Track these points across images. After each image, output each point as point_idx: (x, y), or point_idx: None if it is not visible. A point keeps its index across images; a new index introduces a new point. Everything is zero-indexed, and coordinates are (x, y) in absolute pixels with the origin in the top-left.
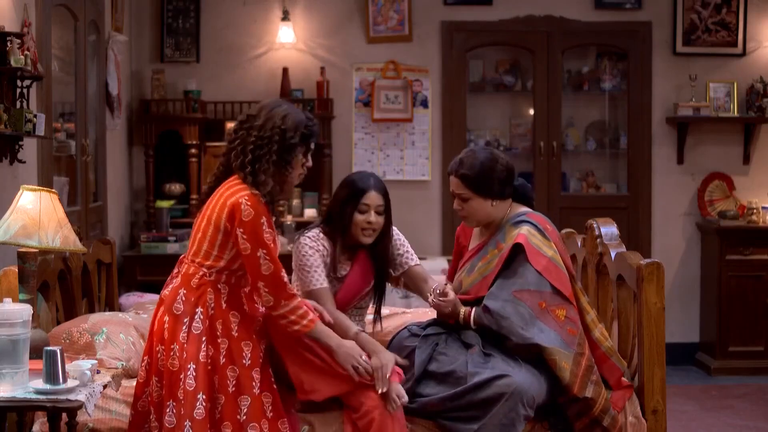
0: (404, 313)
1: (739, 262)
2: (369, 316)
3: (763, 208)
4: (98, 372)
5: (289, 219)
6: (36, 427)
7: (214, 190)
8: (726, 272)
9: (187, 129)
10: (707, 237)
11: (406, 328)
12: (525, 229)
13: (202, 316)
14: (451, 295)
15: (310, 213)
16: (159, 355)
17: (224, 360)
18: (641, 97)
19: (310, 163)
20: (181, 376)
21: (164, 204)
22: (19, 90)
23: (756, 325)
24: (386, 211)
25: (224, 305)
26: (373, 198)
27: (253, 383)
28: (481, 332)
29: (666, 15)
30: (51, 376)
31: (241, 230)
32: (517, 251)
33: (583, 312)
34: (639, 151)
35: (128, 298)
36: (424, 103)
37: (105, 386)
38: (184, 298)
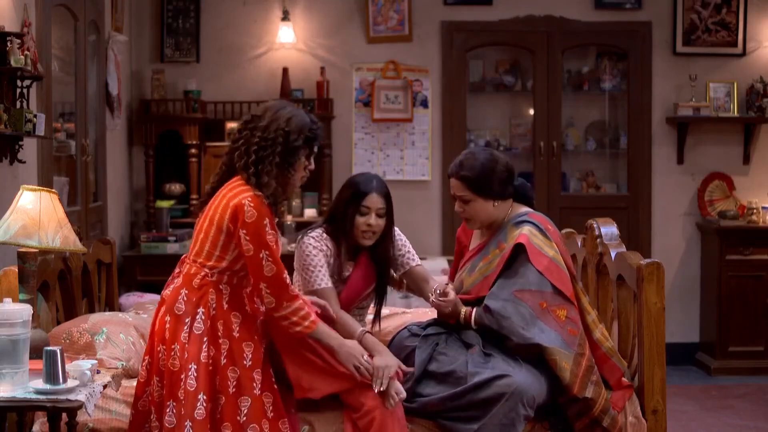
0: (404, 313)
1: (739, 262)
2: (369, 316)
3: (763, 208)
4: (98, 372)
5: (289, 219)
6: (36, 427)
7: (216, 190)
8: (726, 272)
9: (187, 129)
10: (707, 237)
11: (406, 328)
12: (526, 229)
13: (203, 317)
14: (452, 294)
15: (310, 213)
16: (160, 355)
17: (225, 360)
18: (641, 97)
19: (312, 166)
20: (182, 377)
21: (164, 204)
22: (19, 90)
23: (756, 325)
24: (387, 214)
25: (226, 306)
26: (374, 200)
27: (254, 384)
28: (482, 332)
29: (666, 15)
30: (51, 376)
31: (244, 231)
32: (519, 251)
33: (584, 312)
34: (639, 151)
35: (128, 298)
36: (424, 103)
37: (105, 386)
38: (185, 299)
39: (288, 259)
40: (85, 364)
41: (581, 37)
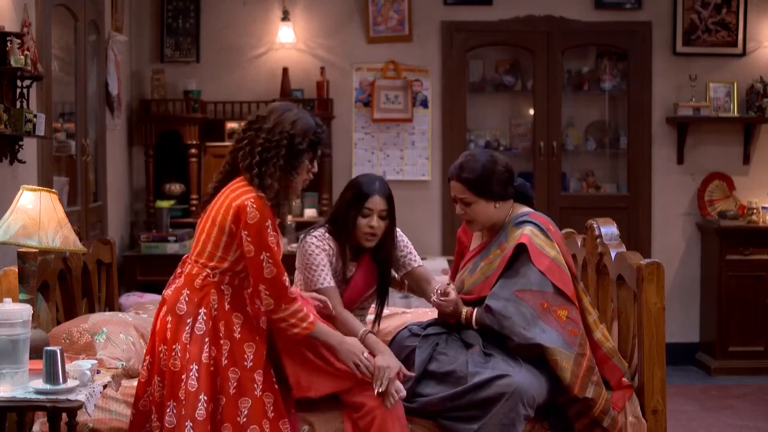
0: (404, 313)
1: (739, 262)
2: (370, 317)
3: (763, 208)
4: (98, 372)
5: (289, 219)
6: (36, 427)
7: (219, 190)
8: (726, 272)
9: (187, 129)
10: (707, 237)
11: (406, 327)
12: (528, 229)
13: (205, 317)
14: (453, 294)
15: (310, 213)
16: (161, 355)
17: (226, 361)
18: (641, 97)
19: (315, 169)
20: (183, 377)
21: (164, 204)
22: (19, 90)
23: (756, 325)
24: (390, 216)
25: (227, 306)
26: (376, 203)
27: (255, 385)
28: (482, 332)
29: (666, 15)
30: (51, 376)
31: (246, 232)
32: (521, 251)
33: (584, 312)
34: (639, 151)
35: (128, 298)
36: (424, 103)
37: (105, 386)
38: (187, 299)
39: (289, 259)
40: (85, 364)
41: (581, 37)
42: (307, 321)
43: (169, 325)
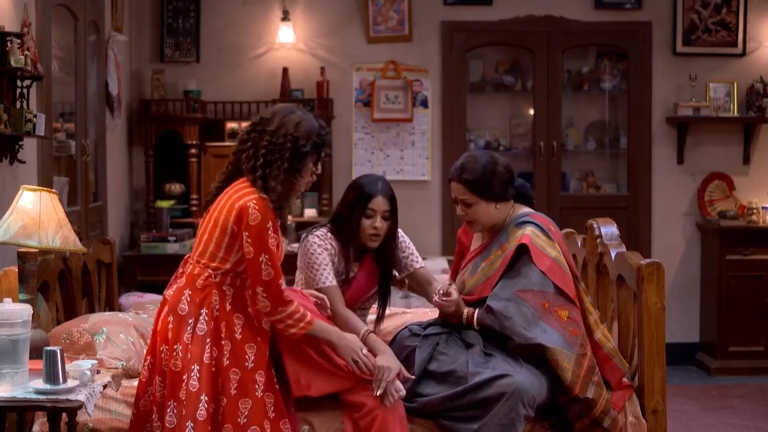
0: (404, 313)
1: (739, 262)
2: (370, 317)
3: (763, 208)
4: (98, 372)
5: (289, 219)
6: (36, 427)
7: (222, 191)
8: (726, 272)
9: (187, 129)
10: (707, 237)
11: (406, 327)
12: (529, 229)
13: (206, 318)
14: (455, 295)
15: (310, 213)
16: (162, 355)
17: (228, 362)
18: (641, 97)
19: (319, 171)
20: (184, 377)
21: (164, 204)
22: (19, 90)
23: (756, 325)
24: (393, 216)
25: (229, 307)
26: (379, 203)
27: (256, 386)
28: (483, 332)
29: (666, 15)
30: (51, 376)
31: (247, 234)
32: (522, 252)
33: (585, 313)
34: (639, 151)
35: (128, 298)
36: (424, 103)
37: (105, 386)
38: (189, 299)
39: (289, 259)
40: (85, 364)
41: (581, 37)
42: (305, 321)
43: (170, 325)
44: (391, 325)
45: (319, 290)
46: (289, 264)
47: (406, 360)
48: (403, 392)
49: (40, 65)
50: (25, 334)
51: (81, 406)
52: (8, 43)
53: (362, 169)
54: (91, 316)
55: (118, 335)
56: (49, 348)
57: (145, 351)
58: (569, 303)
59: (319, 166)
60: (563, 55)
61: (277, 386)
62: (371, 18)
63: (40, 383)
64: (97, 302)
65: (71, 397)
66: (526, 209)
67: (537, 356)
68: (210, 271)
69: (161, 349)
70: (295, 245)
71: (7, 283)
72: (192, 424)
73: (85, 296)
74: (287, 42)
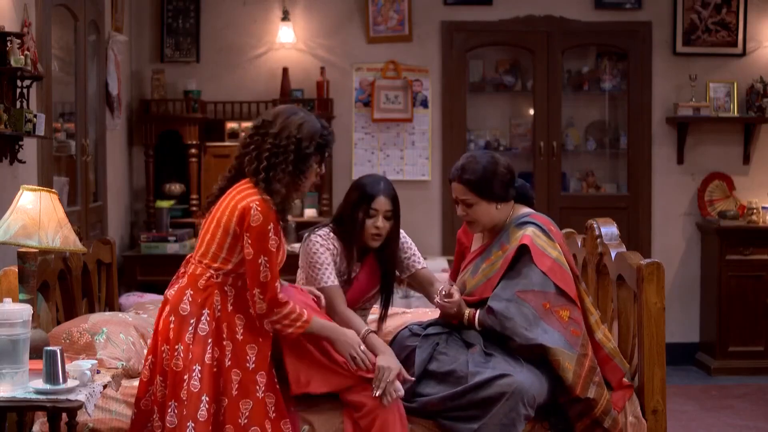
0: (404, 313)
1: (739, 262)
2: (371, 317)
3: (763, 208)
4: (98, 372)
5: (288, 219)
6: (36, 427)
7: (224, 191)
8: (726, 272)
9: (187, 129)
10: (707, 237)
11: (406, 327)
12: (530, 230)
13: (208, 318)
14: (457, 296)
15: (310, 213)
16: (164, 355)
17: (229, 362)
18: (641, 97)
19: (323, 171)
20: (185, 377)
21: (164, 204)
22: (19, 90)
23: (756, 325)
24: (395, 216)
25: (230, 308)
26: (381, 203)
27: (257, 387)
28: (483, 332)
29: (666, 15)
30: (51, 376)
31: (248, 234)
32: (522, 252)
33: (586, 313)
34: (639, 151)
35: (128, 298)
36: (424, 103)
37: (105, 386)
38: (190, 299)
39: (291, 259)
40: (85, 364)
41: (581, 37)
42: (301, 320)
43: (172, 325)
44: (391, 325)
45: (320, 290)
46: (290, 264)
47: (406, 360)
48: (402, 393)
49: (40, 65)
50: (25, 334)
51: (81, 406)
52: (8, 43)
53: (362, 169)
54: (91, 316)
55: (118, 335)
56: (49, 348)
57: (145, 351)
58: (570, 303)
59: (323, 167)
60: (563, 55)
61: (278, 386)
62: (371, 18)
63: (40, 383)
64: (97, 302)
65: (71, 397)
66: (527, 209)
67: (537, 356)
68: (212, 271)
69: (162, 348)
70: (296, 245)
71: (7, 283)
72: (193, 425)
73: (85, 296)
74: (287, 42)
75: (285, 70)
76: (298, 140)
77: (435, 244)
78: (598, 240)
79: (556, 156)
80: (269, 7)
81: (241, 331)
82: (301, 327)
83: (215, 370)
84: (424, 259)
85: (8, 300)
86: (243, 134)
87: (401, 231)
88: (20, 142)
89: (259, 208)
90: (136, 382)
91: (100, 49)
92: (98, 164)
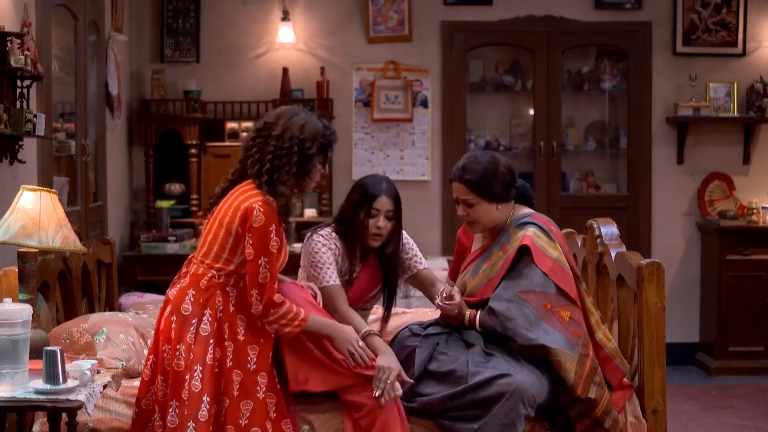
0: (404, 313)
1: (739, 262)
2: (372, 317)
3: (763, 208)
4: (98, 372)
5: (290, 220)
6: (36, 427)
7: (227, 193)
8: (726, 272)
9: (187, 129)
10: (707, 237)
11: (406, 327)
12: (530, 230)
13: (210, 318)
14: (457, 298)
15: (310, 213)
16: (165, 355)
17: (231, 363)
18: (641, 97)
19: (326, 171)
20: (187, 377)
21: (164, 204)
22: (19, 90)
23: (756, 325)
24: (396, 216)
25: (232, 308)
26: (383, 203)
27: (258, 387)
28: (484, 332)
29: (666, 15)
30: (51, 376)
31: (250, 235)
32: (523, 253)
33: (587, 313)
34: (639, 151)
35: (128, 298)
36: (424, 103)
37: (105, 386)
38: (192, 299)
39: (292, 259)
40: (85, 364)
41: (581, 37)
42: (298, 319)
43: (173, 325)
44: (391, 325)
45: (321, 289)
46: (292, 264)
47: (406, 360)
48: (400, 392)
49: (40, 65)
50: (25, 334)
51: (81, 406)
52: (8, 43)
53: (362, 169)
54: (91, 316)
55: (118, 335)
56: (49, 348)
57: (145, 351)
58: (571, 303)
59: (327, 167)
60: (563, 55)
61: (278, 386)
62: (371, 18)
63: (40, 383)
64: (97, 302)
65: (71, 397)
66: (527, 210)
67: (538, 356)
68: (214, 271)
69: (164, 348)
70: (297, 245)
71: (7, 283)
72: (194, 425)
73: (85, 296)
74: (287, 42)
75: (285, 70)
76: (300, 141)
77: (435, 244)
78: (598, 240)
79: (556, 156)
80: (269, 7)
81: (243, 331)
82: (298, 326)
83: (216, 370)
84: (425, 259)
85: (8, 300)
86: (245, 136)
87: (403, 232)
88: (20, 142)
89: (261, 209)
90: (136, 382)
91: (100, 49)
92: (98, 164)
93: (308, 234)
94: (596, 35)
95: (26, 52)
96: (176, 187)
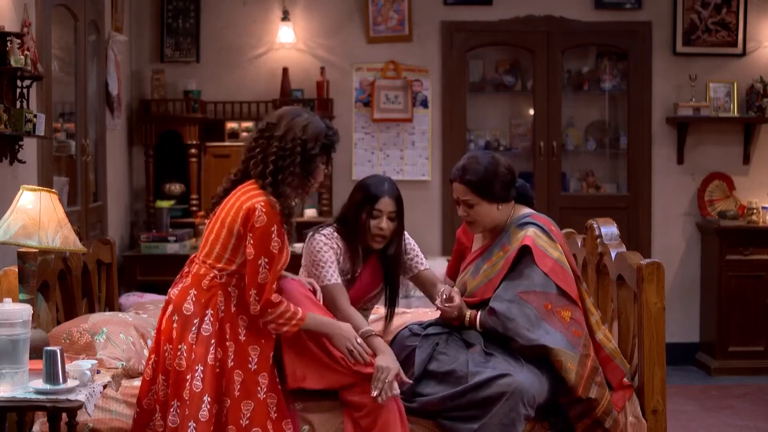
0: (404, 313)
1: (739, 262)
2: (372, 317)
3: (763, 208)
4: (98, 372)
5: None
6: (36, 427)
7: (229, 192)
8: (726, 272)
9: (187, 129)
10: (707, 237)
11: (406, 327)
12: (531, 231)
13: (211, 319)
14: (457, 299)
15: (310, 213)
16: (166, 354)
17: (232, 363)
18: (641, 97)
19: (329, 171)
20: (188, 377)
21: (164, 204)
22: (19, 90)
23: (756, 325)
24: (399, 217)
25: (233, 309)
26: (386, 204)
27: (258, 388)
28: (484, 332)
29: (666, 15)
30: (51, 376)
31: (251, 235)
32: (524, 253)
33: (587, 313)
34: (639, 151)
35: (128, 298)
36: (424, 103)
37: (105, 386)
38: (194, 299)
39: (293, 259)
40: (85, 364)
41: (581, 37)
42: (296, 318)
43: (175, 325)
44: (391, 325)
45: (323, 287)
46: (293, 264)
47: (406, 360)
48: (398, 392)
49: (40, 65)
50: (25, 334)
51: (81, 406)
52: (8, 43)
53: (362, 169)
54: (91, 316)
55: (118, 335)
56: (49, 348)
57: (145, 351)
58: (572, 304)
59: (330, 167)
60: (563, 55)
61: (279, 386)
62: (371, 18)
63: (40, 383)
64: (97, 302)
65: (71, 397)
66: (527, 210)
67: (538, 356)
68: (216, 271)
69: (165, 348)
70: (298, 245)
71: (7, 283)
72: (194, 425)
73: (85, 296)
74: (287, 42)
75: (285, 70)
76: (303, 142)
77: (435, 244)
78: (598, 240)
79: (556, 156)
80: (269, 7)
81: (244, 332)
82: (296, 325)
83: (218, 370)
84: (425, 259)
85: (8, 300)
86: (248, 137)
87: (405, 232)
88: (20, 142)
89: (264, 209)
90: (136, 382)
91: (100, 49)
92: (98, 164)
93: (310, 233)
94: (596, 35)
95: (26, 52)
96: (176, 187)
